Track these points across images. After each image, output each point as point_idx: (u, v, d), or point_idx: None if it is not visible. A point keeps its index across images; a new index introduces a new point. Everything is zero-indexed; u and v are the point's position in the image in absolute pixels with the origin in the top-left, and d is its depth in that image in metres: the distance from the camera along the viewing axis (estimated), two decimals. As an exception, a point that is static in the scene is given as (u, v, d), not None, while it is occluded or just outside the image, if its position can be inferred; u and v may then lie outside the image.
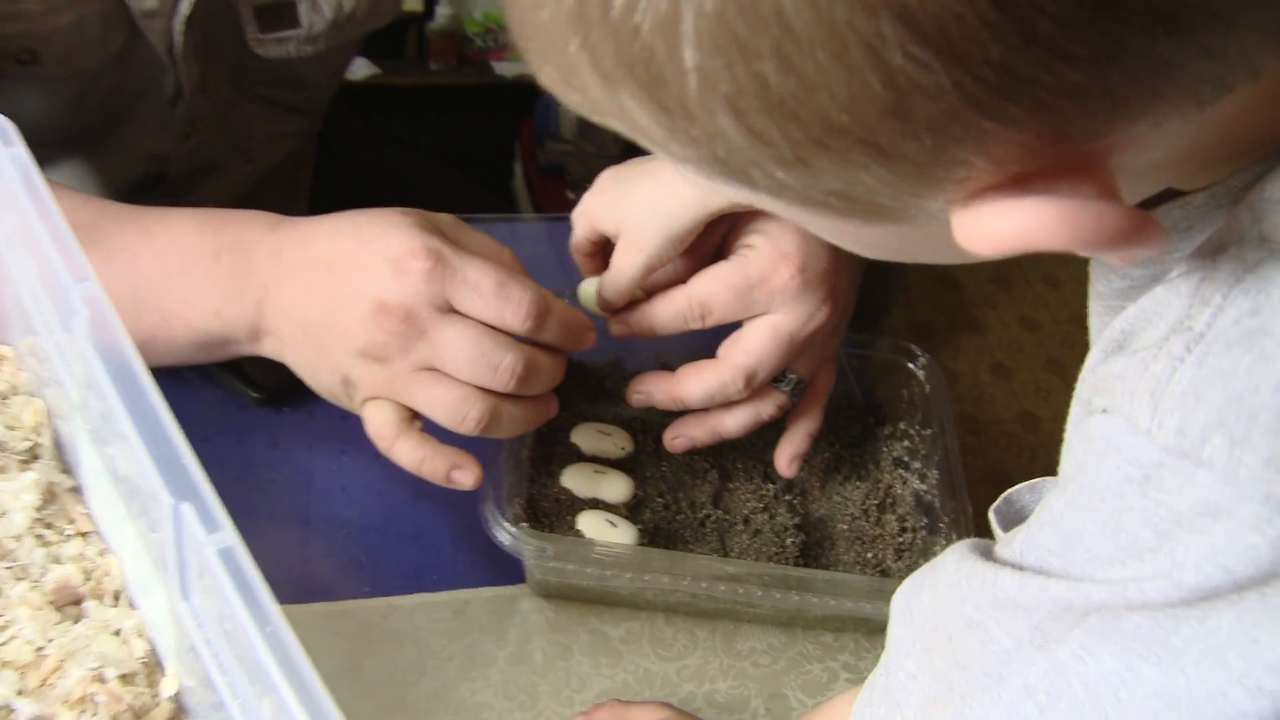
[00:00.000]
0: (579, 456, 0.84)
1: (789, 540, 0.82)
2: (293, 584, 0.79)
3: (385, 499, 0.85)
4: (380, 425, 0.72)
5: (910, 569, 0.76)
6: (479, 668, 0.77)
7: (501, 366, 0.69)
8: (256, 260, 0.73)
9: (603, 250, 0.80)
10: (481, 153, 2.46)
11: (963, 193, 0.33)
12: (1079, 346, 0.84)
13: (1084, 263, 0.51)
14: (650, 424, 0.86)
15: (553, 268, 1.03)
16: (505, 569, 0.83)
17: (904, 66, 0.29)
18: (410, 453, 0.71)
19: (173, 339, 0.74)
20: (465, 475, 0.72)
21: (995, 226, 0.33)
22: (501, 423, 0.72)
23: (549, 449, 0.84)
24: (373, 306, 0.68)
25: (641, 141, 0.35)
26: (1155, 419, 0.37)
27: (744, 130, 0.32)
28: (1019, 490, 0.58)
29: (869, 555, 0.85)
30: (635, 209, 0.75)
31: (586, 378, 0.88)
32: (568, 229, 0.82)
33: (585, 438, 0.84)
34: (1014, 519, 0.57)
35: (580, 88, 0.33)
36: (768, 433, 0.89)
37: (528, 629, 0.80)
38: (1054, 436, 0.44)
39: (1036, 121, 0.31)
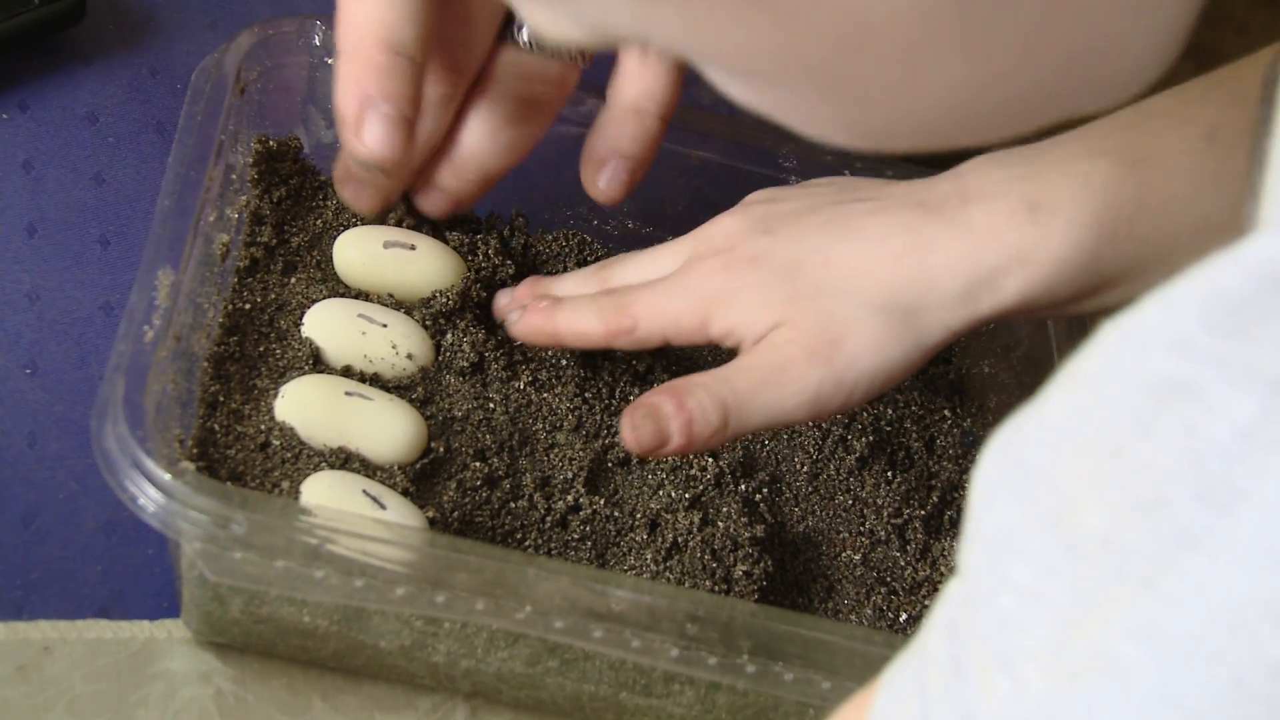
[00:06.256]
0: (317, 364, 0.41)
1: (739, 567, 0.40)
2: None
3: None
4: None
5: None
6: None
7: None
8: None
9: None
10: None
11: None
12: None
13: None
14: (487, 319, 0.44)
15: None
16: (134, 584, 0.40)
17: None
18: None
19: None
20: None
21: None
22: None
23: (257, 344, 0.41)
24: None
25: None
26: None
27: None
28: None
29: (902, 613, 0.42)
30: None
31: None
32: None
33: (336, 326, 0.42)
34: None
35: None
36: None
37: (174, 714, 0.38)
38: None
39: None
